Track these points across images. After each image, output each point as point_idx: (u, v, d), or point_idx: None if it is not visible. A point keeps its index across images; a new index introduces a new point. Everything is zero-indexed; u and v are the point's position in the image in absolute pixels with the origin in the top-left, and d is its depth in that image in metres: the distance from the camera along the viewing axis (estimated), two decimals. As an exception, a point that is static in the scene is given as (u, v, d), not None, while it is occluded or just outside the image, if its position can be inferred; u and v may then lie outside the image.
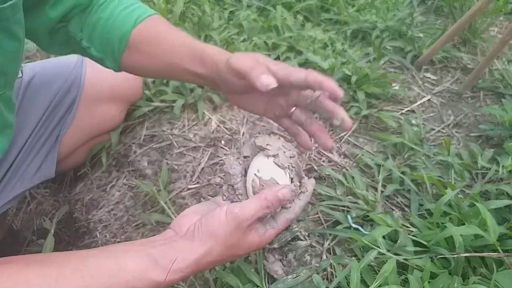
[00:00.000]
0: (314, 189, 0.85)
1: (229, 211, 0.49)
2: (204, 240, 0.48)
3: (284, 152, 0.57)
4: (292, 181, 0.57)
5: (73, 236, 0.93)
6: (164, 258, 0.47)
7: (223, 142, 0.99)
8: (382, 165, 0.90)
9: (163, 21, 0.68)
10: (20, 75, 0.81)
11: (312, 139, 0.61)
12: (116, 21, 0.64)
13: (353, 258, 0.71)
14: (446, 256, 0.66)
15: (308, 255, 0.73)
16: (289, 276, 0.69)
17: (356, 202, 0.82)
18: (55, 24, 0.64)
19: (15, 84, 0.62)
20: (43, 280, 0.42)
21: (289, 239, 0.75)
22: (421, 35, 1.44)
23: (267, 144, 0.56)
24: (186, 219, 0.53)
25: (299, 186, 0.57)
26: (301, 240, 0.76)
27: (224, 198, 0.58)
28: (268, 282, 0.69)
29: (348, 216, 0.78)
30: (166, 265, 0.47)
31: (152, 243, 0.50)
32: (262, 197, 0.50)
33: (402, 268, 0.68)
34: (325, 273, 0.70)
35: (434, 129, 1.08)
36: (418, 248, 0.70)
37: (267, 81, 0.49)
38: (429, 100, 1.20)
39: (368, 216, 0.77)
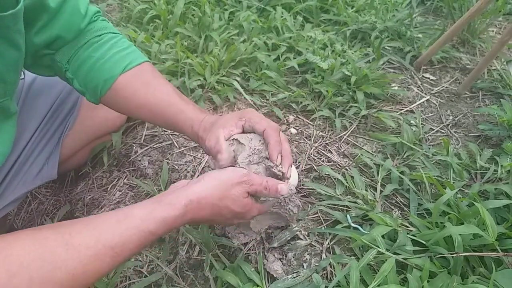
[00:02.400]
0: (314, 189, 0.86)
1: (239, 170, 0.58)
2: (208, 181, 0.56)
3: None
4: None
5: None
6: (167, 196, 0.53)
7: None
8: (381, 165, 0.91)
9: (152, 70, 0.71)
10: (22, 76, 0.81)
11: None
12: (106, 62, 0.66)
13: (353, 257, 0.72)
14: (445, 255, 0.67)
15: (308, 254, 0.74)
16: (289, 276, 0.69)
17: (355, 202, 0.82)
18: (40, 49, 0.65)
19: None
20: (58, 236, 0.44)
21: (289, 238, 0.75)
22: (420, 35, 1.45)
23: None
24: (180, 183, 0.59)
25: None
26: (301, 239, 0.76)
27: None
28: (268, 281, 0.69)
29: (348, 215, 0.78)
30: (170, 201, 0.52)
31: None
32: (266, 179, 0.59)
33: (401, 267, 0.68)
34: (324, 272, 0.71)
35: (433, 129, 1.08)
36: (417, 248, 0.70)
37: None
38: (428, 100, 1.20)
39: (367, 215, 0.78)
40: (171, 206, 0.51)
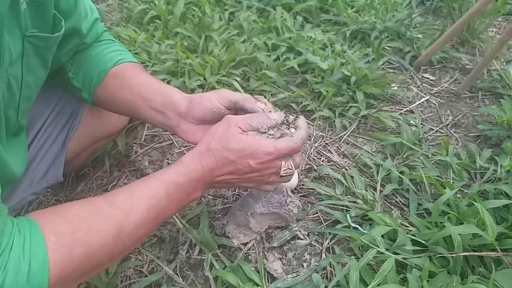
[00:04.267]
0: (314, 189, 0.86)
1: (225, 117, 0.61)
2: (204, 139, 0.60)
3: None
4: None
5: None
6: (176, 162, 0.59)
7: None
8: (381, 165, 0.91)
9: (141, 67, 0.77)
10: None
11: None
12: (101, 58, 0.73)
13: (352, 257, 0.72)
14: (445, 255, 0.67)
15: (308, 254, 0.74)
16: (289, 275, 0.69)
17: (355, 202, 0.82)
18: (60, 61, 0.72)
19: None
20: (101, 198, 0.51)
21: (289, 238, 0.76)
22: (420, 35, 1.45)
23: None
24: None
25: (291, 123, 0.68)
26: (301, 239, 0.76)
27: None
28: (268, 281, 0.69)
29: (347, 215, 0.79)
30: (188, 153, 0.58)
31: None
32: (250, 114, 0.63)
33: (401, 267, 0.68)
34: (324, 272, 0.71)
35: (432, 129, 1.08)
36: (417, 247, 0.70)
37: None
38: (427, 100, 1.20)
39: (367, 215, 0.78)
40: (188, 156, 0.57)
